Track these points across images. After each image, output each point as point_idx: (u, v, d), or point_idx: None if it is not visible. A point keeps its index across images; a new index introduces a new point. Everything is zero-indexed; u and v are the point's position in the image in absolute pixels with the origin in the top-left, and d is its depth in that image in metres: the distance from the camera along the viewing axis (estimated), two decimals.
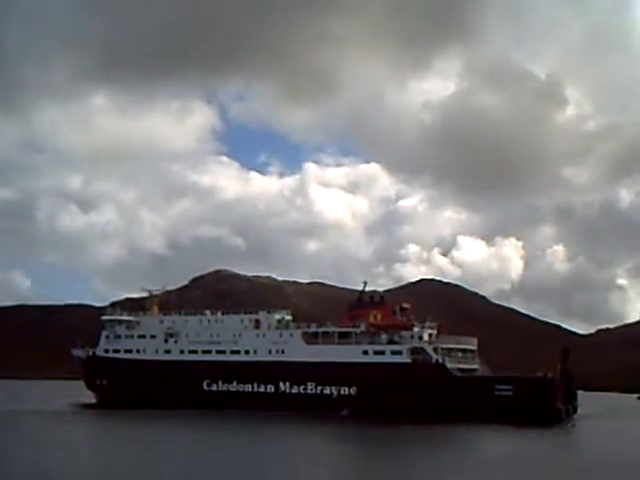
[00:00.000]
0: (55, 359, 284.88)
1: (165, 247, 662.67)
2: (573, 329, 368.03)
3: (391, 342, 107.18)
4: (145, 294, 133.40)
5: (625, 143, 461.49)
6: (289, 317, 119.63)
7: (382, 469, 53.83)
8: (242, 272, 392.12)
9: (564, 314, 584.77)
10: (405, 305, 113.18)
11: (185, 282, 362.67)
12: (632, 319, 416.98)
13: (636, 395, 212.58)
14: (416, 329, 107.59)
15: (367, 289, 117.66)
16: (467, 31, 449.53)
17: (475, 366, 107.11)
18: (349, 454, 64.96)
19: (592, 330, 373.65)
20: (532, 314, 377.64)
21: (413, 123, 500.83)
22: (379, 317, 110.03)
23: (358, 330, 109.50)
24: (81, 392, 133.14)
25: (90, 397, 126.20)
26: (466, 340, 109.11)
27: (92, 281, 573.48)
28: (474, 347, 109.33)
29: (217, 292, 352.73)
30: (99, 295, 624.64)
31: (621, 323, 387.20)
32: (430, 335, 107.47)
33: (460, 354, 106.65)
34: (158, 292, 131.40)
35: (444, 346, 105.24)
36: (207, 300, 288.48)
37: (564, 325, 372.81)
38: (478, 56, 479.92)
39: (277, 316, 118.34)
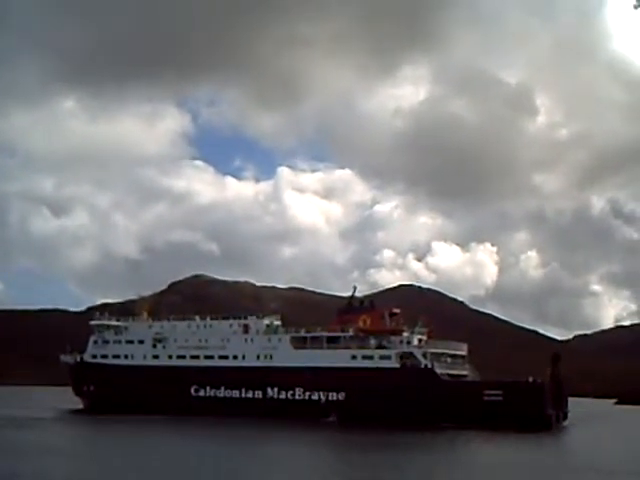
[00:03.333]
0: (31, 364, 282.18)
1: (139, 252, 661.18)
2: (550, 335, 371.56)
3: (380, 347, 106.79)
4: (132, 298, 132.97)
5: (595, 151, 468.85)
6: (278, 322, 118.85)
7: (369, 475, 53.64)
8: (220, 277, 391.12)
9: (539, 320, 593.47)
10: (395, 310, 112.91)
11: (163, 287, 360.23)
12: (606, 325, 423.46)
13: (613, 400, 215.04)
14: (405, 334, 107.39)
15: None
16: (435, 38, 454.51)
17: (465, 372, 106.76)
18: (336, 460, 64.51)
19: (569, 336, 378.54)
20: (510, 320, 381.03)
21: (385, 129, 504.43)
22: (368, 322, 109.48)
23: (347, 335, 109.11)
24: (61, 399, 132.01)
25: (76, 403, 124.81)
26: (456, 345, 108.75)
27: (66, 286, 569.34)
28: (464, 352, 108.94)
29: (196, 297, 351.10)
30: (74, 300, 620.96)
31: (598, 329, 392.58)
32: (420, 340, 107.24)
33: (450, 359, 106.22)
34: (146, 296, 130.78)
35: (433, 351, 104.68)
36: (186, 305, 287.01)
37: (541, 331, 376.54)
38: (448, 63, 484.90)
39: (266, 321, 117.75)
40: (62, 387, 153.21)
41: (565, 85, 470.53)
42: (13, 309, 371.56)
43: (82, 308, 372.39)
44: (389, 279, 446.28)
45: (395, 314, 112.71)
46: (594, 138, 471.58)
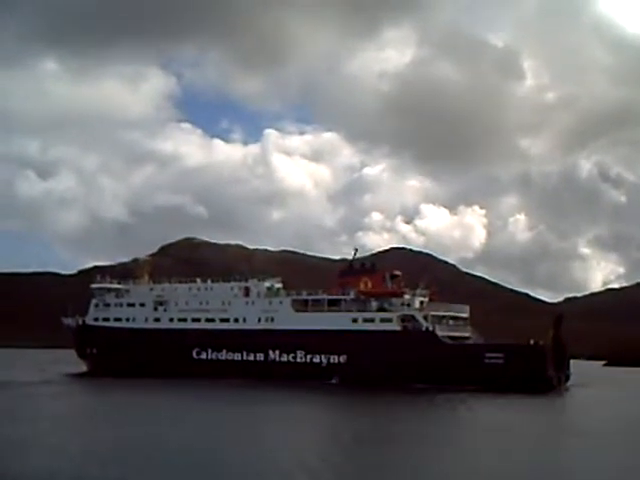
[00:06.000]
0: (26, 327, 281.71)
1: (128, 215, 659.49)
2: (541, 297, 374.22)
3: (381, 309, 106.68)
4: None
5: (581, 114, 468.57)
6: (279, 285, 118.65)
7: (369, 435, 54.15)
8: (210, 240, 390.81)
9: (528, 282, 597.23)
10: (396, 272, 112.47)
11: (154, 250, 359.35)
12: (594, 288, 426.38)
13: (602, 362, 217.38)
14: (407, 296, 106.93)
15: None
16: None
17: (467, 334, 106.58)
18: (337, 420, 65.15)
19: (558, 299, 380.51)
20: (500, 282, 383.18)
21: (370, 92, 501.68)
22: (369, 284, 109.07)
23: (348, 298, 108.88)
24: (63, 361, 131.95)
25: (79, 366, 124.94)
26: (458, 308, 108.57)
27: (55, 249, 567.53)
28: (466, 315, 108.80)
29: (187, 260, 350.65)
30: (63, 263, 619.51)
31: (587, 292, 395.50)
32: (421, 302, 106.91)
33: (451, 322, 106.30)
34: (146, 259, 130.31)
35: (435, 314, 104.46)
36: (178, 268, 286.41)
37: (532, 293, 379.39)
38: (433, 25, 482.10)
39: (267, 284, 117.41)
40: (58, 349, 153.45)
41: (551, 48, 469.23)
42: (3, 272, 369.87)
43: (73, 271, 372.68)
44: (378, 242, 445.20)
45: (396, 276, 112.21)
46: (580, 101, 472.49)
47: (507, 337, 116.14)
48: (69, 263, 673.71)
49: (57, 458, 41.00)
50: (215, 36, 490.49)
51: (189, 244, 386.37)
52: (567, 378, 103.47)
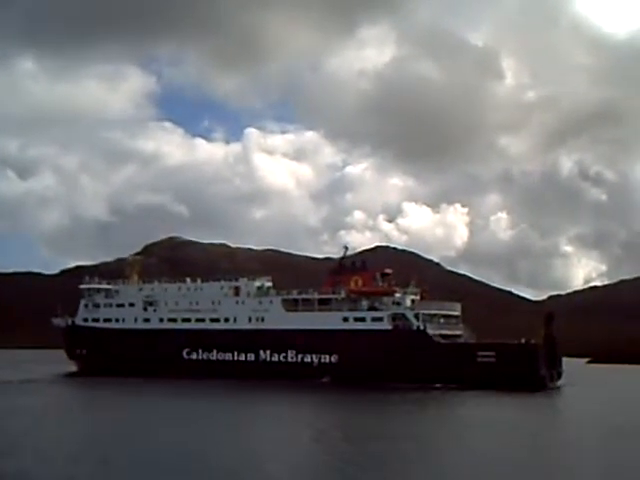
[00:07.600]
0: (9, 327, 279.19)
1: (109, 214, 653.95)
2: (525, 295, 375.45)
3: (372, 308, 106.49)
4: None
5: (561, 113, 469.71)
6: (269, 284, 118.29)
7: (358, 433, 54.36)
8: (195, 239, 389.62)
9: (510, 281, 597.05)
10: (387, 270, 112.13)
11: (136, 249, 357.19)
12: (576, 286, 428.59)
13: (585, 359, 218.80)
14: (397, 295, 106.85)
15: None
16: None
17: (459, 332, 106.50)
18: (328, 419, 65.02)
19: (543, 296, 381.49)
20: (484, 280, 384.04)
21: (350, 91, 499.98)
22: (360, 283, 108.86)
23: (339, 297, 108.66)
24: (43, 361, 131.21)
25: (69, 366, 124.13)
26: (449, 306, 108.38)
27: (35, 249, 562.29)
28: (457, 313, 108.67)
29: (171, 259, 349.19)
30: (46, 263, 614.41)
31: (569, 290, 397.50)
32: (412, 301, 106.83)
33: (443, 320, 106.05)
34: (137, 258, 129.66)
35: (426, 312, 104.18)
36: (162, 267, 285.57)
37: (515, 291, 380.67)
38: (412, 24, 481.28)
39: (257, 283, 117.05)
40: (45, 350, 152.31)
41: (531, 47, 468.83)
42: None
43: (55, 271, 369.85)
44: (360, 240, 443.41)
45: (387, 275, 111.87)
46: (560, 100, 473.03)
47: (493, 335, 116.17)
48: (51, 263, 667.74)
49: (32, 457, 41.23)
50: (194, 34, 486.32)
51: (172, 243, 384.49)
52: (559, 375, 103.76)
